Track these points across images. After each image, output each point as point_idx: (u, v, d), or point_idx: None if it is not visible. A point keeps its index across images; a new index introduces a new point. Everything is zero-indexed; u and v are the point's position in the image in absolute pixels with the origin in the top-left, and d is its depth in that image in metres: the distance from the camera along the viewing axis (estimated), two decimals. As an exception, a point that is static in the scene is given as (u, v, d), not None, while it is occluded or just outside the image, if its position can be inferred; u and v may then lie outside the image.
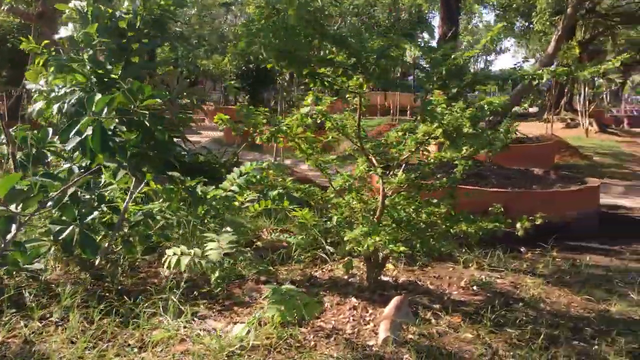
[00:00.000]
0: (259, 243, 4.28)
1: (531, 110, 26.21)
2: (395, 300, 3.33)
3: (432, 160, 3.86)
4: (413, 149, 3.48)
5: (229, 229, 4.28)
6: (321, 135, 3.92)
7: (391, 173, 3.99)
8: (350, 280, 3.91)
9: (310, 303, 3.21)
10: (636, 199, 9.58)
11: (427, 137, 3.36)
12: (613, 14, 21.58)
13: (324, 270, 4.16)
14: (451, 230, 3.71)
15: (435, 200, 3.93)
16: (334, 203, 3.61)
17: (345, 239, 3.26)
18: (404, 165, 4.00)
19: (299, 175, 7.78)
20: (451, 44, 4.80)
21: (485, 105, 3.50)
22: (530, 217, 3.98)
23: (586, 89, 21.61)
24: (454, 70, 4.05)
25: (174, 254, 3.36)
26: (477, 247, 5.52)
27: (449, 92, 3.98)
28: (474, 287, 4.07)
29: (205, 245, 3.48)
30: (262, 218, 5.19)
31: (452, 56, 3.95)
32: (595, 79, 31.47)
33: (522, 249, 5.77)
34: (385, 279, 3.96)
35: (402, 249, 3.12)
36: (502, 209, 4.19)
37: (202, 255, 3.35)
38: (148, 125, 3.83)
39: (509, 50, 54.16)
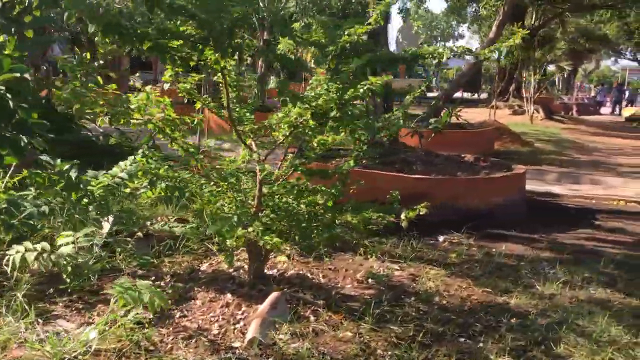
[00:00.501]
0: (139, 233, 3.96)
1: (483, 96, 26.45)
2: (271, 297, 3.08)
3: (315, 145, 3.59)
4: (287, 133, 3.21)
5: (111, 217, 3.95)
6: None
7: (282, 159, 3.72)
8: (234, 274, 3.64)
9: (155, 297, 2.88)
10: (568, 186, 9.59)
11: (300, 120, 3.09)
12: (561, 1, 21.73)
13: (212, 263, 3.88)
14: (335, 221, 3.47)
15: (323, 189, 3.66)
16: (209, 192, 3.32)
17: (209, 231, 2.99)
18: (296, 150, 3.73)
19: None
20: (358, 19, 4.53)
21: (367, 86, 3.24)
22: (415, 207, 3.71)
23: (534, 76, 21.81)
24: (348, 48, 3.79)
25: (17, 251, 3.02)
26: (391, 235, 5.35)
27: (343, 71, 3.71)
28: (369, 280, 3.85)
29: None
30: (162, 205, 4.86)
31: (347, 32, 3.69)
32: (546, 66, 31.94)
33: (440, 237, 5.61)
34: (271, 272, 3.71)
35: (275, 240, 2.86)
36: (399, 197, 3.94)
37: (51, 250, 3.02)
38: (6, 103, 3.45)
39: (463, 37, 54.48)
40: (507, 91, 21.94)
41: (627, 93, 34.67)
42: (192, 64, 2.84)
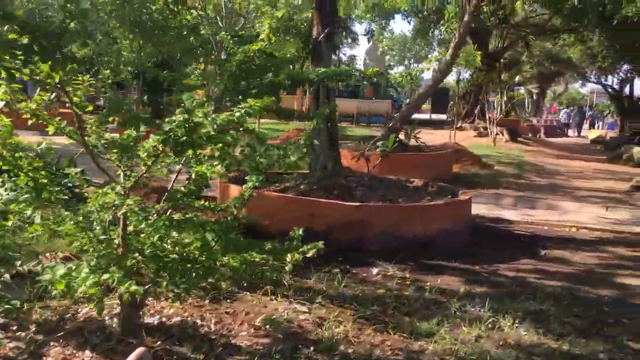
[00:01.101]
0: (6, 275, 3.49)
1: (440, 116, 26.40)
2: (133, 355, 2.65)
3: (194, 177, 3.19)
4: (149, 162, 2.80)
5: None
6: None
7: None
8: (107, 322, 3.20)
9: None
10: (523, 211, 9.33)
11: (160, 148, 2.68)
12: (525, 25, 21.88)
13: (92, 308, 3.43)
14: (212, 263, 3.04)
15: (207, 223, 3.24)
16: (66, 230, 2.88)
17: (46, 278, 2.56)
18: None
19: (153, 185, 6.98)
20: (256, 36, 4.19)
21: (245, 110, 2.85)
22: (311, 246, 3.33)
23: (500, 98, 21.79)
24: (245, 67, 3.42)
25: None
26: (319, 267, 4.96)
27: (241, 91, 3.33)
28: (267, 326, 3.44)
29: None
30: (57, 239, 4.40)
31: (241, 50, 3.32)
32: (514, 88, 32.15)
33: (373, 269, 5.22)
34: (151, 320, 3.28)
35: (134, 288, 2.45)
36: (301, 234, 3.56)
37: None
38: None
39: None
40: (473, 113, 21.89)
41: (587, 115, 35.16)
42: (25, 77, 2.43)
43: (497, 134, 18.61)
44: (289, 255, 3.36)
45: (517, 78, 36.87)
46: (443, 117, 27.70)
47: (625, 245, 7.03)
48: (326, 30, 7.28)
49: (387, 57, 34.54)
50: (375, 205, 5.88)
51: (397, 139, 11.88)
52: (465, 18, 11.58)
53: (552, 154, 18.36)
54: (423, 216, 5.97)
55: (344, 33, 27.09)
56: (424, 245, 5.94)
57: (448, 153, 11.99)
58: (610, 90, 29.73)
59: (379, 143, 7.95)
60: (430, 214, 6.04)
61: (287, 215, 5.84)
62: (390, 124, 12.22)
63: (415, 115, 34.82)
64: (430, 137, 18.32)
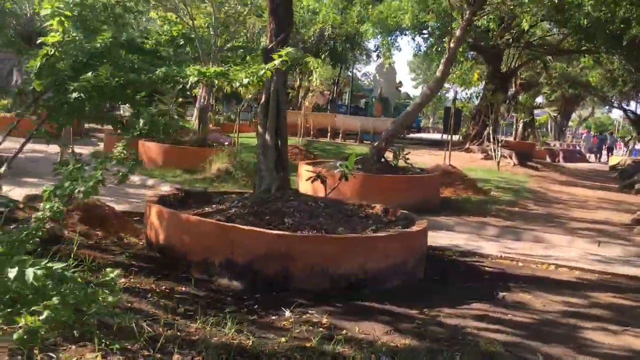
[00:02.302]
0: None
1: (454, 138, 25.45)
2: None
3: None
4: None
5: None
6: None
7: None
8: None
9: None
10: (505, 243, 8.53)
11: None
12: (538, 45, 21.03)
13: None
14: None
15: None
16: None
17: None
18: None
19: (79, 202, 6.39)
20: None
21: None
22: None
23: (519, 119, 20.91)
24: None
25: None
26: (229, 306, 4.29)
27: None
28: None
29: None
30: None
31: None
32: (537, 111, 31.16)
33: (286, 311, 4.51)
34: None
35: None
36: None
37: None
38: None
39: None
40: (482, 134, 21.02)
41: (607, 141, 34.00)
42: None
43: (502, 157, 17.72)
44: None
45: (539, 100, 35.86)
46: (454, 138, 26.85)
47: (605, 290, 6.20)
48: (280, 36, 6.66)
49: (397, 75, 33.94)
50: (301, 236, 5.17)
51: (382, 159, 11.20)
52: (457, 33, 10.88)
53: (560, 181, 17.38)
54: (361, 249, 5.24)
55: (356, 49, 26.56)
56: (360, 283, 5.21)
57: (435, 176, 11.23)
58: (630, 114, 28.55)
59: (339, 163, 7.24)
60: (370, 246, 5.31)
61: (207, 242, 5.19)
62: (375, 143, 11.52)
63: (425, 136, 33.97)
64: (432, 159, 17.56)
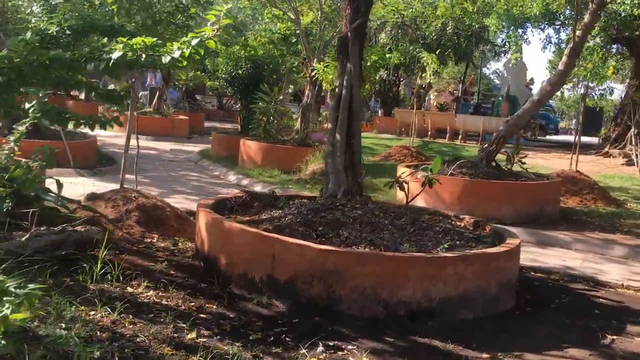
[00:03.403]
0: None
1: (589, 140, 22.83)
2: None
3: None
4: None
5: None
6: None
7: None
8: None
9: None
10: (633, 268, 7.06)
11: None
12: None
13: None
14: None
15: None
16: None
17: None
18: None
19: (140, 202, 6.12)
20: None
21: None
22: None
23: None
24: None
25: None
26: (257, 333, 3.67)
27: None
28: None
29: None
30: None
31: None
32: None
33: (318, 347, 3.75)
34: None
35: None
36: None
37: None
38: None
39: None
40: (624, 137, 18.56)
41: None
42: None
43: (646, 162, 15.41)
44: None
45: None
46: (594, 141, 24.15)
47: None
48: (356, 22, 5.92)
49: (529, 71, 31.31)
50: (350, 252, 4.38)
51: (492, 162, 9.99)
52: (586, 18, 9.37)
53: None
54: (425, 272, 4.35)
55: (482, 45, 24.87)
56: (423, 313, 4.33)
57: (554, 183, 9.77)
58: None
59: (422, 167, 6.31)
60: (437, 269, 4.40)
61: (247, 254, 4.59)
62: (484, 145, 10.30)
63: (561, 138, 31.03)
64: (561, 163, 15.69)
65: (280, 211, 5.44)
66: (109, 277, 4.30)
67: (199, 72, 21.25)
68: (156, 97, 19.64)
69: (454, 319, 4.40)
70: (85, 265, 4.28)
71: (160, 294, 4.27)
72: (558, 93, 11.16)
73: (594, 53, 11.27)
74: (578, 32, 9.32)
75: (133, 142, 7.26)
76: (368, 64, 10.35)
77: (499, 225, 5.85)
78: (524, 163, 10.51)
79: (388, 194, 10.23)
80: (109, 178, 10.28)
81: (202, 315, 4.02)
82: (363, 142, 20.23)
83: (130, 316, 3.62)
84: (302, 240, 4.51)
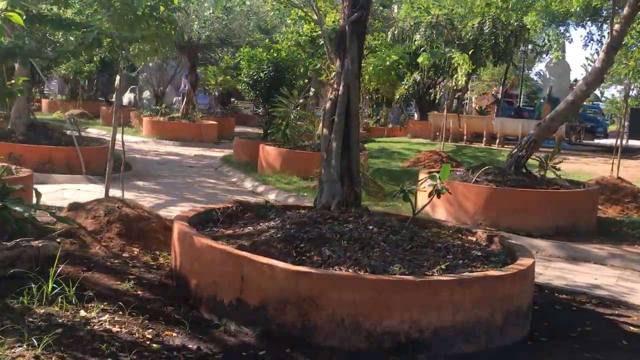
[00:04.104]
0: None
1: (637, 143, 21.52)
2: None
3: None
4: None
5: None
6: None
7: None
8: None
9: None
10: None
11: None
12: None
13: None
14: None
15: None
16: None
17: None
18: None
19: (123, 212, 5.71)
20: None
21: None
22: None
23: None
24: None
25: None
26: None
27: None
28: None
29: None
30: None
31: None
32: None
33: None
34: None
35: None
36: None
37: None
38: None
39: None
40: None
41: None
42: None
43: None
44: None
45: None
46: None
47: None
48: (354, 15, 5.38)
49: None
50: (328, 275, 3.82)
51: (522, 169, 9.23)
52: (625, 10, 8.55)
53: None
54: (415, 298, 3.77)
55: (522, 44, 23.80)
56: (413, 345, 3.74)
57: (590, 192, 8.93)
58: None
59: (434, 173, 5.68)
60: (429, 294, 3.81)
61: (215, 275, 4.11)
62: (514, 150, 9.55)
63: (610, 142, 29.50)
64: (604, 169, 14.65)
65: (266, 224, 4.94)
66: (61, 300, 3.87)
67: (229, 77, 21.03)
68: (184, 102, 19.45)
69: (449, 353, 3.80)
70: (33, 285, 3.87)
71: (115, 318, 3.82)
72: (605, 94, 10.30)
73: (636, 49, 10.36)
74: (616, 27, 8.52)
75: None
76: (387, 63, 9.71)
77: (513, 242, 5.19)
78: (559, 169, 9.72)
79: (404, 204, 9.62)
80: (118, 185, 9.98)
81: (154, 346, 3.54)
82: (394, 146, 19.61)
83: (61, 349, 3.17)
84: (276, 259, 3.99)
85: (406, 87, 23.21)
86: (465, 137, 20.40)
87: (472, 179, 8.85)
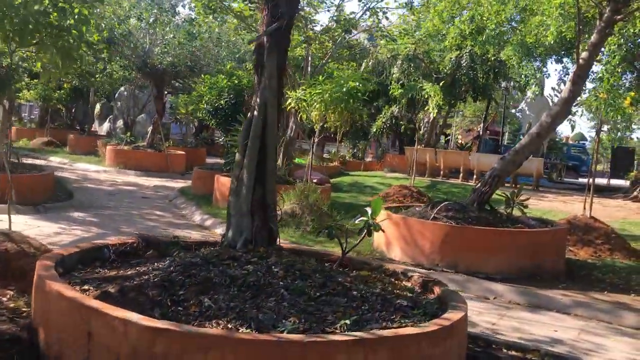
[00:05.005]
0: None
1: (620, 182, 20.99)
2: None
3: None
4: None
5: None
6: None
7: None
8: None
9: None
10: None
11: None
12: None
13: None
14: None
15: None
16: None
17: None
18: None
19: (2, 248, 4.91)
20: None
21: None
22: None
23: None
24: None
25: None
26: None
27: None
28: None
29: None
30: None
31: None
32: None
33: None
34: None
35: None
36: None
37: None
38: None
39: None
40: (656, 179, 16.80)
41: None
42: None
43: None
44: None
45: None
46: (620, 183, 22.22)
47: None
48: (273, 25, 4.71)
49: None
50: (188, 332, 3.02)
51: (485, 205, 8.53)
52: (593, 37, 7.99)
53: None
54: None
55: (501, 79, 23.44)
56: None
57: (557, 232, 8.21)
58: None
59: (361, 211, 4.95)
60: (321, 357, 3.02)
61: (61, 330, 3.30)
62: (477, 185, 8.88)
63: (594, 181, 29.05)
64: (581, 207, 14.01)
65: (157, 265, 4.15)
66: None
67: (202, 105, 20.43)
68: (149, 132, 18.74)
69: None
70: None
71: None
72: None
73: (604, 80, 9.77)
74: (583, 54, 7.95)
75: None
76: (344, 89, 9.08)
77: (451, 289, 4.42)
78: (526, 206, 9.04)
79: (364, 242, 8.88)
80: (49, 216, 9.19)
81: None
82: (368, 180, 18.88)
83: None
84: (141, 311, 3.20)
85: (383, 120, 22.70)
86: (442, 172, 19.80)
87: (431, 215, 8.14)
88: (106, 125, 28.75)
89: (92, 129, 31.61)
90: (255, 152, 4.61)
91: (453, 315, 3.63)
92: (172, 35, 14.91)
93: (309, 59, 12.06)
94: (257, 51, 4.83)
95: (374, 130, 22.49)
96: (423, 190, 15.12)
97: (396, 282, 4.68)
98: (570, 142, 38.43)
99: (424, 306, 3.95)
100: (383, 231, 5.09)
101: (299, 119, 10.78)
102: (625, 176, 19.05)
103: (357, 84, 9.37)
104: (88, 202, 10.96)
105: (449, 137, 34.92)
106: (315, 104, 9.26)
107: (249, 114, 4.89)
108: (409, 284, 4.68)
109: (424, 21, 15.19)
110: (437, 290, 4.38)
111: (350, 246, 4.84)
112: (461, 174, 19.35)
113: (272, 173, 4.71)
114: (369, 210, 4.80)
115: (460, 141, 33.74)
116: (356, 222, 4.87)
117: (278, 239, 4.72)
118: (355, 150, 25.09)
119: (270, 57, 4.72)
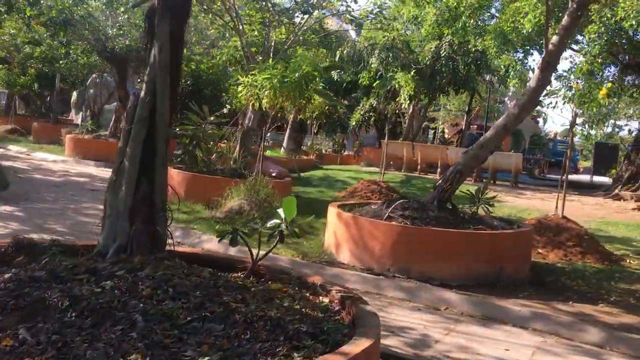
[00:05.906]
0: None
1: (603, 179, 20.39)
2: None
3: None
4: None
5: None
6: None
7: None
8: None
9: None
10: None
11: None
12: None
13: None
14: None
15: None
16: None
17: None
18: None
19: None
20: None
21: None
22: None
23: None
24: None
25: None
26: None
27: None
28: None
29: None
30: None
31: None
32: None
33: None
34: None
35: None
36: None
37: None
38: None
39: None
40: (638, 177, 16.16)
41: None
42: None
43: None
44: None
45: None
46: (605, 180, 21.62)
47: None
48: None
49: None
50: None
51: (446, 204, 7.79)
52: (564, 20, 7.26)
53: None
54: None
55: (483, 71, 22.69)
56: None
57: (522, 233, 7.49)
58: None
59: (274, 212, 4.19)
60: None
61: None
62: (438, 182, 8.13)
63: (579, 177, 28.48)
64: (546, 206, 13.33)
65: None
66: None
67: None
68: (112, 121, 17.88)
69: None
70: None
71: None
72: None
73: (578, 68, 9.03)
74: (553, 39, 7.21)
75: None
76: (297, 74, 8.29)
77: (368, 309, 3.66)
78: (492, 205, 8.35)
79: (309, 242, 8.15)
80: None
81: None
82: (341, 175, 18.10)
83: None
84: None
85: (361, 112, 21.94)
86: (419, 167, 19.09)
87: (385, 214, 7.39)
88: (82, 114, 27.87)
89: (69, 118, 30.63)
90: (140, 139, 3.83)
91: (354, 348, 2.87)
92: (126, 17, 14.04)
93: (267, 43, 11.24)
94: (149, 20, 4.04)
95: (353, 122, 21.70)
96: (395, 186, 14.41)
97: (311, 297, 3.93)
98: (559, 137, 37.88)
99: (326, 333, 3.19)
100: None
101: (256, 107, 9.97)
102: (607, 173, 18.41)
103: (312, 69, 8.58)
104: (24, 194, 10.12)
105: (433, 131, 34.28)
106: (264, 90, 8.47)
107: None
108: (326, 300, 3.93)
109: (397, 5, 14.40)
110: (353, 310, 3.62)
111: (261, 255, 4.08)
112: (439, 169, 18.63)
113: (163, 165, 3.93)
114: (281, 212, 4.04)
115: (446, 135, 33.07)
116: (269, 224, 4.11)
117: (172, 245, 3.94)
118: (332, 144, 24.31)
119: (161, 24, 3.92)
